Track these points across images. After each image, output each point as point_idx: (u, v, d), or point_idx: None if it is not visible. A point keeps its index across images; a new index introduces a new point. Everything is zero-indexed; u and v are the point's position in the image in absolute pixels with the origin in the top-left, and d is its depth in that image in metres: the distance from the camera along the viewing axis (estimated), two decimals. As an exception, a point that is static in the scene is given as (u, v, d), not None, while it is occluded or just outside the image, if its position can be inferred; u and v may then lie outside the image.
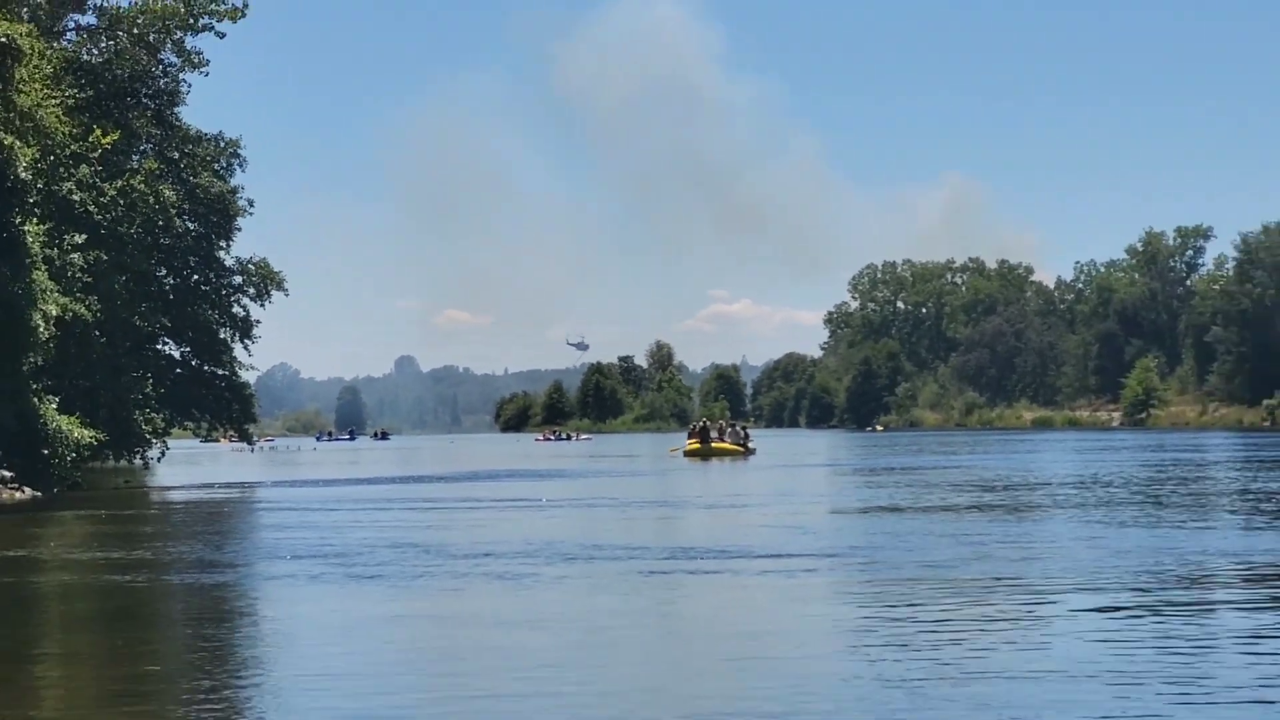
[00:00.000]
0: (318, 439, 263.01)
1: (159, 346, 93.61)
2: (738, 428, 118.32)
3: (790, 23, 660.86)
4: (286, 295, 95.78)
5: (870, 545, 33.49)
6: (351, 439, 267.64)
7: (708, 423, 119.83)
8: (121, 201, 73.86)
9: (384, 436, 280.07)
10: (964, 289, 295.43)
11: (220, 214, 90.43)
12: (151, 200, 76.98)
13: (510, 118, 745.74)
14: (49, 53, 65.16)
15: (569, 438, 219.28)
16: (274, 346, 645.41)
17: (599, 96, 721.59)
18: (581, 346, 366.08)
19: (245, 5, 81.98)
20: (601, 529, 40.30)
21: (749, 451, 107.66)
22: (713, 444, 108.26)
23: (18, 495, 55.02)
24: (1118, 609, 23.02)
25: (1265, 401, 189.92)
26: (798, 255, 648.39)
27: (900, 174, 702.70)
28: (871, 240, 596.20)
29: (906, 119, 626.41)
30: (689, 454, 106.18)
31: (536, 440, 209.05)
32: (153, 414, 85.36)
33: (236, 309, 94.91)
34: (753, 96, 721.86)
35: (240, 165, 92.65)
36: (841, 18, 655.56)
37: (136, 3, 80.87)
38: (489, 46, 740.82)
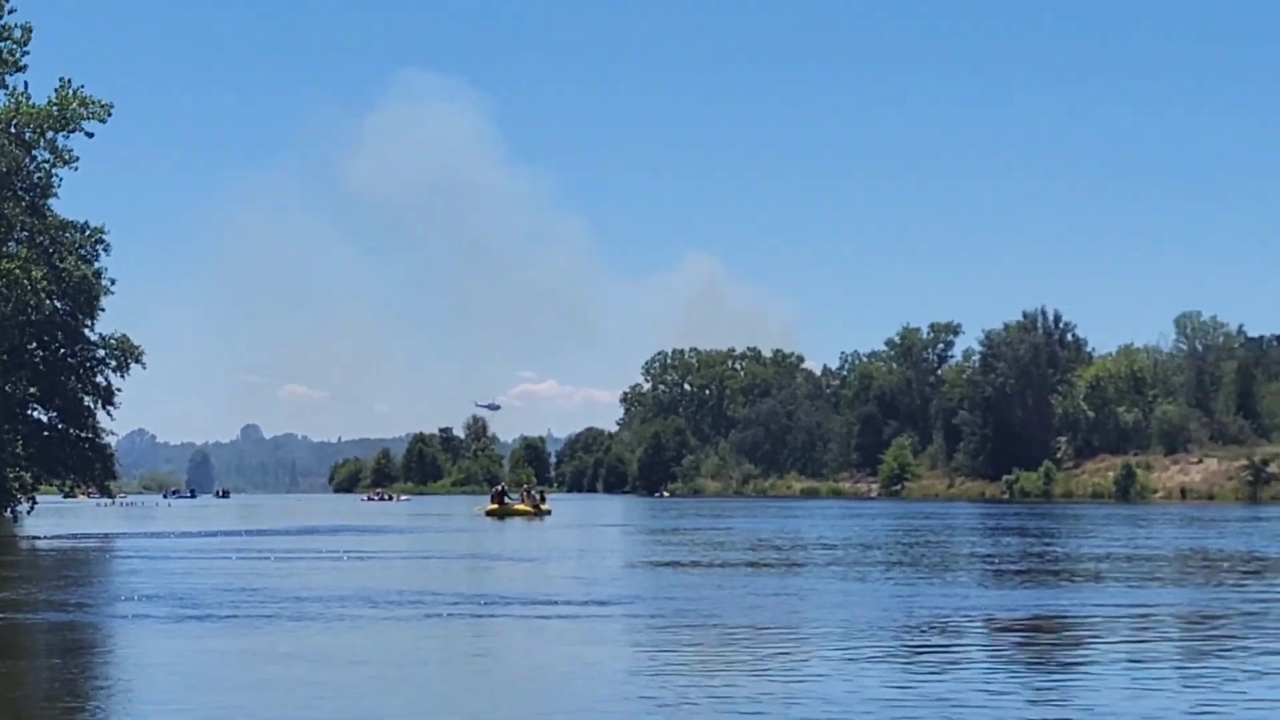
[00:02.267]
0: (164, 496, 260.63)
1: (29, 412, 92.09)
2: (533, 491, 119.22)
3: (558, 116, 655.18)
4: (144, 367, 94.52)
5: (654, 595, 33.66)
6: (192, 496, 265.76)
7: (505, 487, 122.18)
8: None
9: (225, 495, 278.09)
10: (743, 374, 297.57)
11: (85, 294, 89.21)
12: (24, 283, 76.10)
13: (310, 210, 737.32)
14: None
15: (391, 498, 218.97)
16: (133, 413, 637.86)
17: (388, 189, 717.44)
18: (492, 408, 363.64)
19: (112, 106, 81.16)
20: (418, 578, 40.20)
21: (544, 512, 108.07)
22: (510, 505, 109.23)
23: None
24: (869, 651, 23.32)
25: (1005, 477, 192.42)
26: (581, 337, 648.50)
27: (661, 259, 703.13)
28: (641, 322, 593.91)
29: (668, 206, 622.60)
30: (489, 514, 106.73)
31: (363, 500, 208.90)
32: (22, 472, 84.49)
33: (100, 379, 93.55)
34: (527, 186, 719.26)
35: (104, 249, 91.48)
36: (606, 109, 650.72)
37: (12, 105, 79.93)
38: (281, 145, 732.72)
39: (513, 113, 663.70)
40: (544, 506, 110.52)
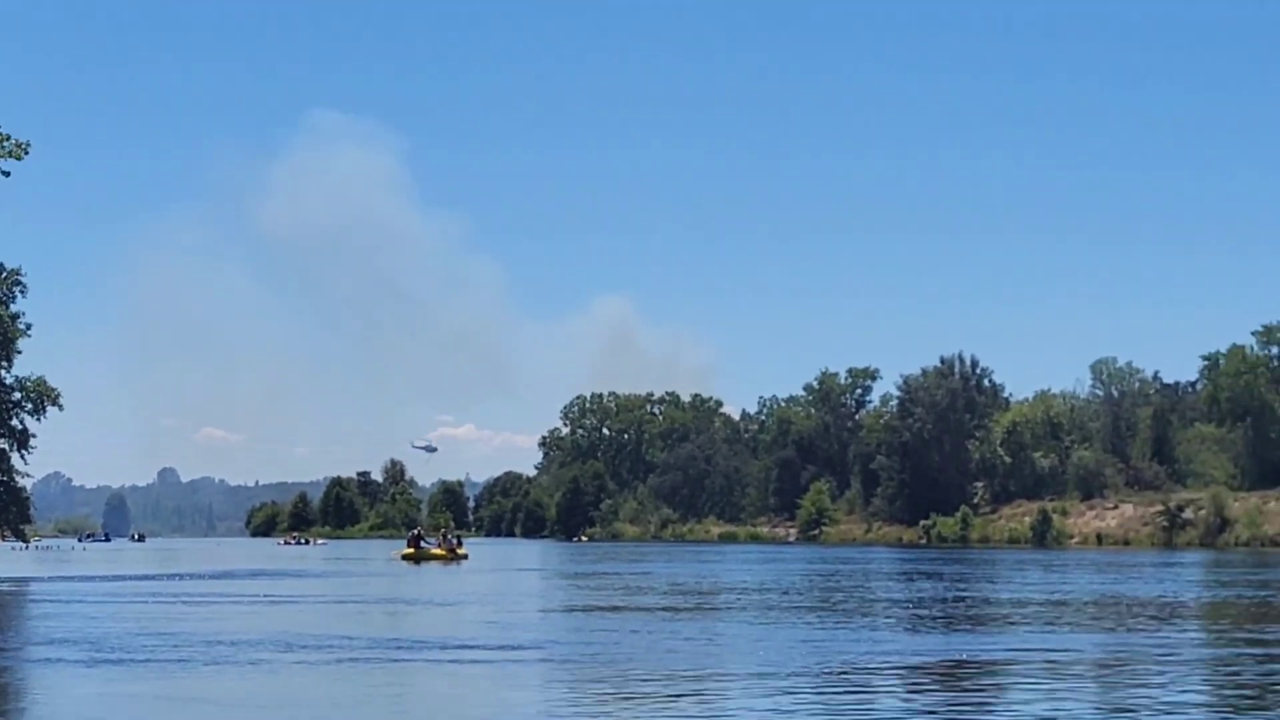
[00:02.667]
0: (79, 540, 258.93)
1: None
2: (450, 536, 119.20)
3: (470, 158, 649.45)
4: (61, 410, 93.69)
5: (570, 640, 33.71)
6: (107, 540, 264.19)
7: (422, 531, 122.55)
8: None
9: (141, 539, 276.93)
10: (661, 418, 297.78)
11: (2, 337, 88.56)
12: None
13: (223, 254, 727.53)
14: None
15: (307, 542, 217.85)
16: (49, 456, 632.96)
17: (301, 232, 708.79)
18: (429, 449, 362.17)
19: (28, 144, 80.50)
20: (334, 622, 40.10)
21: (460, 557, 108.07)
22: (425, 550, 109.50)
23: None
24: (783, 696, 23.44)
25: (922, 522, 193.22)
26: (496, 380, 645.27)
27: (574, 301, 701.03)
28: (555, 365, 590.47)
29: (580, 248, 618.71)
30: (405, 558, 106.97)
31: (279, 544, 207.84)
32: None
33: (15, 422, 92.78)
34: (439, 229, 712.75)
35: (21, 292, 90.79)
36: (519, 151, 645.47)
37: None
38: (192, 188, 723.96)
39: (425, 154, 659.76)
40: (460, 551, 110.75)
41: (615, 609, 46.21)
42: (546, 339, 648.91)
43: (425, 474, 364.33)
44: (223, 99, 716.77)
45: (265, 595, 54.73)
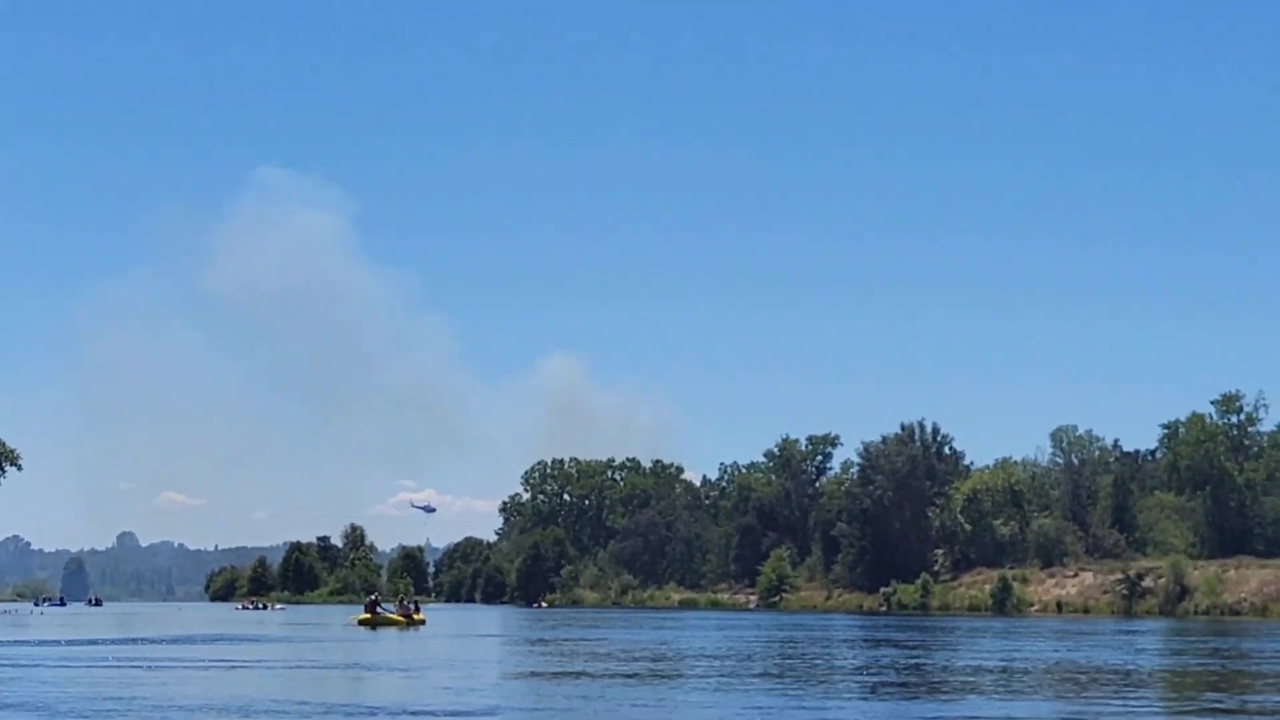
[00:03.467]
0: (35, 604, 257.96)
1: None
2: (406, 602, 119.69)
3: (418, 215, 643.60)
4: (20, 470, 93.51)
5: (526, 706, 33.64)
6: (62, 604, 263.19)
7: (379, 597, 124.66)
8: None
9: (98, 603, 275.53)
10: (622, 484, 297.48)
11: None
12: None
13: (176, 316, 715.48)
14: None
15: (265, 607, 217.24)
16: (7, 520, 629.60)
17: (250, 293, 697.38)
18: (428, 509, 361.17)
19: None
20: (290, 688, 39.93)
21: (417, 622, 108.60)
22: (382, 615, 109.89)
23: None
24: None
25: (882, 589, 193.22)
26: (448, 441, 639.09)
27: (526, 364, 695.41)
28: (507, 426, 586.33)
29: (535, 312, 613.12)
30: (361, 623, 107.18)
31: (236, 609, 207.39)
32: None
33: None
34: (389, 288, 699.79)
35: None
36: (467, 208, 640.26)
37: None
38: (141, 250, 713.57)
39: (373, 213, 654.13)
40: (417, 617, 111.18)
41: (572, 675, 46.12)
42: (499, 401, 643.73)
43: (385, 539, 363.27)
44: (169, 158, 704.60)
45: (223, 660, 54.47)
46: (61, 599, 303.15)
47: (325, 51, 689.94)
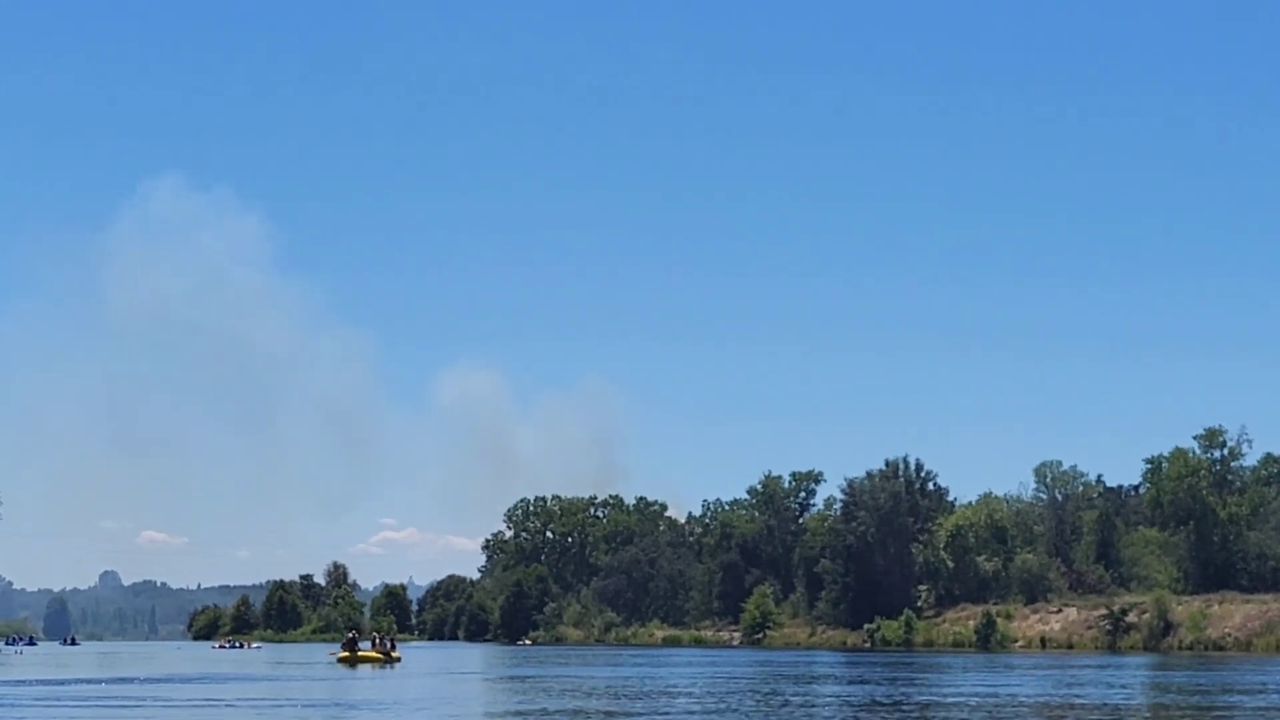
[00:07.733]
0: (6, 643, 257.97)
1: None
2: (384, 639, 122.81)
3: (331, 225, 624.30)
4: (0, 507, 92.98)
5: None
6: (32, 644, 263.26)
7: (357, 635, 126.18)
8: None
9: (74, 642, 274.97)
10: (605, 521, 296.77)
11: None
12: None
13: (147, 351, 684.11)
14: None
15: (242, 646, 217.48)
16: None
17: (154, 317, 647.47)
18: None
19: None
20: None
21: (394, 660, 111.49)
22: (360, 653, 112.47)
23: None
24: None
25: (866, 625, 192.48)
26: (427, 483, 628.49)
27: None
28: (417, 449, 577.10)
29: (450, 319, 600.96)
30: (340, 660, 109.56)
31: (214, 648, 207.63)
32: None
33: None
34: (298, 299, 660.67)
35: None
36: (380, 217, 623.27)
37: None
38: (31, 272, 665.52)
39: (290, 226, 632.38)
40: (394, 654, 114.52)
41: (554, 713, 45.73)
42: (421, 428, 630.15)
43: (368, 577, 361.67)
44: (51, 180, 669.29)
45: (201, 699, 54.01)
46: (30, 638, 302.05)
47: (227, 65, 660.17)
